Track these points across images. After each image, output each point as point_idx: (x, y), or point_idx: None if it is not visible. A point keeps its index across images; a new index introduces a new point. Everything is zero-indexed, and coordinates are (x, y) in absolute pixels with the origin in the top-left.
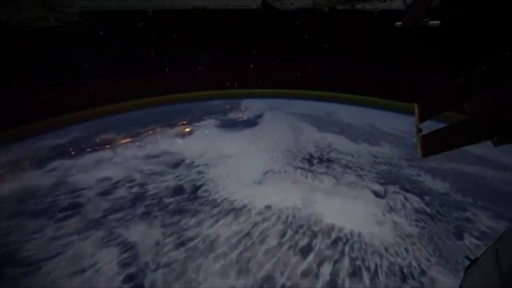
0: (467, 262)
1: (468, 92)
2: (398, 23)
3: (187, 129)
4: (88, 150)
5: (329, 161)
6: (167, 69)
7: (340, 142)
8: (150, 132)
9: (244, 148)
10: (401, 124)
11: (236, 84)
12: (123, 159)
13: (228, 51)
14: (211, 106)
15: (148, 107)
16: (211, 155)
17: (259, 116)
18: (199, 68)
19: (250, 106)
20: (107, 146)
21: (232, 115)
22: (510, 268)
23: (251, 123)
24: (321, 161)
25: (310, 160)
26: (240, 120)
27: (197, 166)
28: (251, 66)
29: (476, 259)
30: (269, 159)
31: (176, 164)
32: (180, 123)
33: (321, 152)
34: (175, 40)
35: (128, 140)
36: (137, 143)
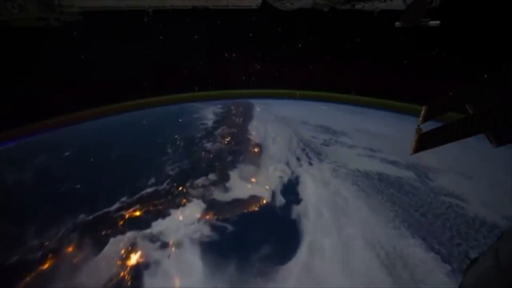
0: (468, 262)
1: (475, 96)
2: (398, 23)
3: (137, 260)
4: None
5: None
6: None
7: None
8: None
9: None
10: None
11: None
12: None
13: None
14: (200, 138)
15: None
16: None
17: (292, 195)
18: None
19: (266, 142)
20: None
21: (236, 187)
22: (510, 267)
23: (282, 235)
24: None
25: None
26: (256, 211)
27: None
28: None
29: (476, 258)
30: None
31: None
32: (129, 213)
33: None
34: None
35: None
36: None
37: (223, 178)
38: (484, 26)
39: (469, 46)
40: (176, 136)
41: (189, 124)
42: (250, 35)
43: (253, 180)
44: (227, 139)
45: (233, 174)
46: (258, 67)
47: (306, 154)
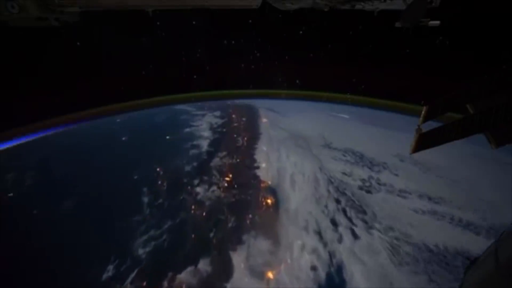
0: (467, 262)
1: (475, 96)
2: (398, 23)
3: None
4: None
5: None
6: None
7: None
8: None
9: None
10: None
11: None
12: None
13: None
14: (190, 175)
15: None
16: None
17: None
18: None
19: (283, 184)
20: None
21: None
22: (509, 267)
23: None
24: None
25: None
26: None
27: None
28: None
29: (476, 259)
30: None
31: None
32: None
33: None
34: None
35: None
36: None
37: (222, 270)
38: (485, 25)
39: (469, 46)
40: (158, 170)
41: (177, 147)
42: (250, 21)
43: (270, 275)
44: (227, 178)
45: (238, 259)
46: (258, 54)
47: (344, 212)
